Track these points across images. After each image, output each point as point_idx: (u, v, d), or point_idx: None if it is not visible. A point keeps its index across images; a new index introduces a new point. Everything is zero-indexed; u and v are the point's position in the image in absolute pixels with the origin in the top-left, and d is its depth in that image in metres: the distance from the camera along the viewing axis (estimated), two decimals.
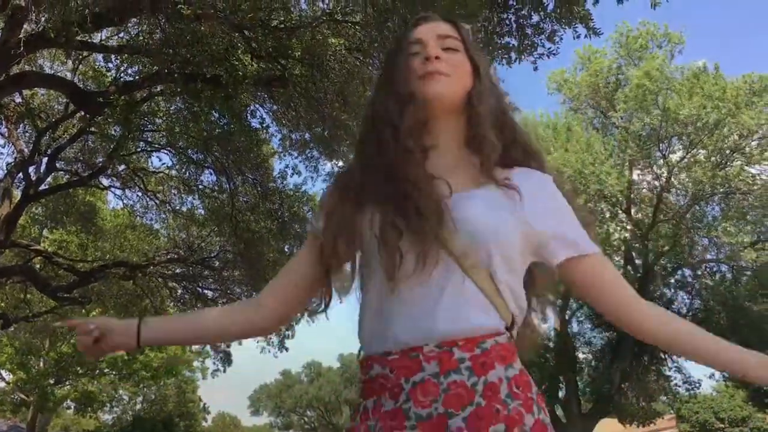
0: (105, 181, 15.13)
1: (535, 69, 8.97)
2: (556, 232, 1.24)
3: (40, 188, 13.81)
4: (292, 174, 14.17)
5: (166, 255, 16.58)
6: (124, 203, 16.13)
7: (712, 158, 26.12)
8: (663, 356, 33.92)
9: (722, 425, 34.88)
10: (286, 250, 15.64)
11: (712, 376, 53.07)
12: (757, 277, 27.64)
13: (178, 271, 16.98)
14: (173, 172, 15.04)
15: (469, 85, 1.30)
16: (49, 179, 14.56)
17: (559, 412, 35.86)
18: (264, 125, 12.01)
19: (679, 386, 33.68)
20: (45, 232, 17.67)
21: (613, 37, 24.03)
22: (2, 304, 16.86)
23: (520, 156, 1.33)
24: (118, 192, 15.70)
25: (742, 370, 1.28)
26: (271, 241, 14.63)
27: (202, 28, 7.68)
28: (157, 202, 15.60)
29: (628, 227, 29.80)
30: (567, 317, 34.48)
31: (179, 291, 17.73)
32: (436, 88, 1.26)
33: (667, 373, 33.76)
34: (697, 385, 33.97)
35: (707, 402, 36.17)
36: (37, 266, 15.40)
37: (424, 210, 1.16)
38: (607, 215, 27.19)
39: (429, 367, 1.09)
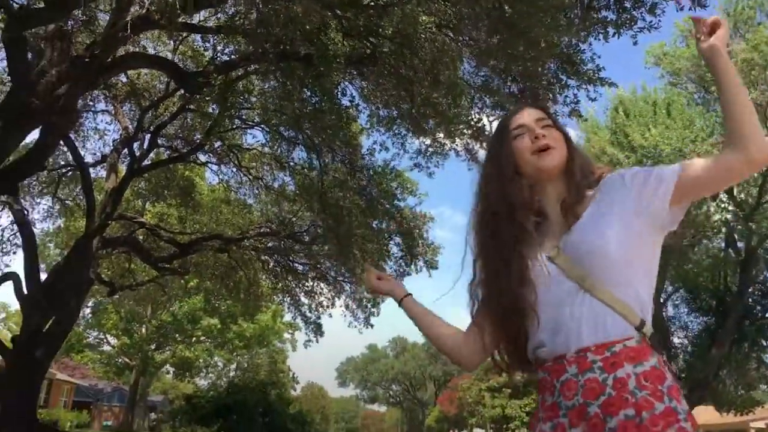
0: (202, 157, 15.73)
1: (635, 43, 8.61)
2: (657, 178, 1.49)
3: (144, 163, 14.53)
4: (380, 150, 14.22)
5: (258, 229, 17.11)
6: (219, 178, 16.76)
7: None
8: (764, 343, 32.43)
9: None
10: (375, 225, 15.83)
11: None
12: None
13: (270, 244, 17.49)
14: (266, 149, 15.47)
15: (566, 153, 1.62)
16: (151, 155, 15.28)
17: None
18: (354, 103, 12.11)
19: None
20: (147, 206, 18.53)
21: (718, 8, 22.73)
22: (109, 273, 17.85)
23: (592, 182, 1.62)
24: (215, 168, 16.33)
25: (707, 60, 1.44)
26: (359, 217, 14.83)
27: (296, 7, 7.82)
28: (251, 177, 16.09)
29: (730, 208, 28.43)
30: (662, 300, 33.42)
31: (271, 264, 18.27)
32: (551, 160, 1.58)
33: None
34: None
35: None
36: (140, 238, 16.21)
37: None
38: (708, 196, 26.01)
39: (570, 369, 1.42)
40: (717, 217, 26.63)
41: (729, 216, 27.93)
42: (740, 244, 29.57)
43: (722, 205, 27.54)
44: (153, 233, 15.58)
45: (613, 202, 1.50)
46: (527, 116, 1.64)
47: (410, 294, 1.80)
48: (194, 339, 39.20)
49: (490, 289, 1.64)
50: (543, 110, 1.67)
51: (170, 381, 54.35)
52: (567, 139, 1.64)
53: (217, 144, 14.90)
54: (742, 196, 28.49)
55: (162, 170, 15.71)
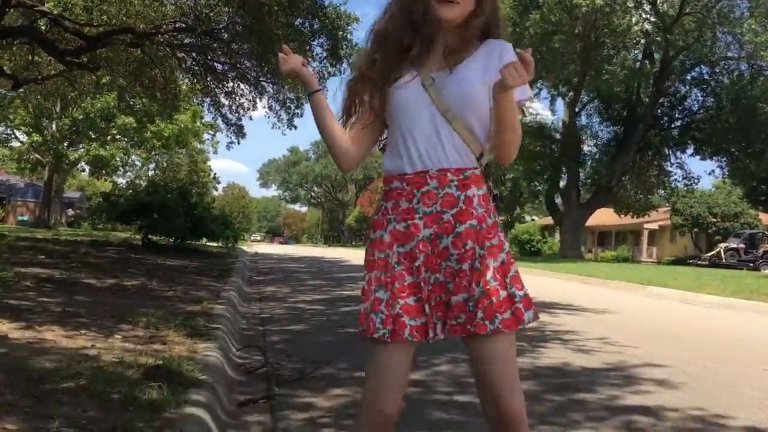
0: None
1: None
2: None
3: None
4: None
5: (173, 23, 16.16)
6: None
7: None
8: (667, 152, 34.44)
9: (714, 219, 36.16)
10: (297, 24, 15.21)
11: (712, 172, 53.95)
12: None
13: (186, 41, 16.65)
14: None
15: (470, 9, 1.72)
16: None
17: (558, 200, 37.19)
18: None
19: (679, 181, 34.55)
20: None
21: None
22: (11, 65, 16.77)
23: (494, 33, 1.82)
24: None
25: (494, 94, 1.64)
26: (280, 15, 14.18)
27: None
28: None
29: (652, 19, 28.63)
30: (577, 110, 34.41)
31: (189, 62, 17.53)
32: (448, 13, 1.70)
33: (669, 168, 34.51)
34: (696, 180, 34.82)
35: (704, 197, 37.21)
36: (43, 28, 15.08)
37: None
38: (631, 4, 25.89)
39: (431, 182, 1.71)
40: (637, 27, 26.83)
41: (649, 27, 28.20)
42: (656, 56, 30.22)
43: (645, 15, 27.68)
44: (57, 23, 14.46)
45: (489, 64, 1.74)
46: None
47: (318, 90, 1.86)
48: (109, 137, 38.27)
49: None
50: None
51: (86, 179, 53.70)
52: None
53: None
54: (665, 6, 28.62)
55: None
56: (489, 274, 1.67)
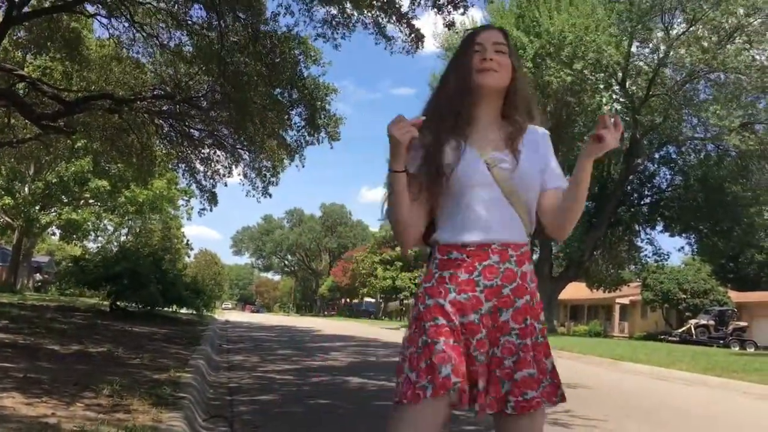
0: (90, 8, 14.60)
1: None
2: (554, 172, 1.94)
3: (23, 10, 13.31)
4: (285, 14, 13.67)
5: (152, 91, 16.33)
6: (110, 33, 15.66)
7: (713, 37, 25.56)
8: (637, 228, 35.03)
9: (684, 295, 36.58)
10: (276, 93, 15.46)
11: (681, 249, 54.61)
12: (741, 159, 27.88)
13: (165, 108, 16.80)
14: (162, 4, 14.50)
15: (509, 79, 1.89)
16: (32, 1, 14.02)
17: None
18: None
19: (649, 257, 34.97)
20: (28, 57, 17.22)
21: None
22: None
23: (531, 117, 1.96)
24: (104, 21, 15.20)
25: (582, 158, 1.79)
26: (260, 84, 14.42)
27: None
28: (144, 35, 15.15)
29: (621, 99, 29.61)
30: None
31: (166, 128, 17.65)
32: (490, 80, 1.85)
33: (639, 243, 35.02)
34: (666, 257, 35.33)
35: (673, 273, 37.71)
36: (21, 92, 15.14)
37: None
38: (602, 86, 26.86)
39: (493, 257, 1.78)
40: (608, 106, 27.70)
41: (618, 107, 29.12)
42: (626, 134, 31.09)
43: (614, 96, 28.64)
44: (35, 88, 14.53)
45: (539, 149, 1.91)
46: (486, 37, 1.90)
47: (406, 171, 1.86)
48: (82, 201, 37.95)
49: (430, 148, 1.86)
50: (504, 35, 1.93)
51: (56, 243, 52.91)
52: (515, 68, 1.91)
53: None
54: (633, 88, 29.67)
55: (45, 20, 14.49)
56: (543, 352, 1.78)
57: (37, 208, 36.43)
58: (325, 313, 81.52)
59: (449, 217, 1.84)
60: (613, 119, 1.73)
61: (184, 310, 18.83)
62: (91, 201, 38.17)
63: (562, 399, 1.80)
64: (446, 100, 1.89)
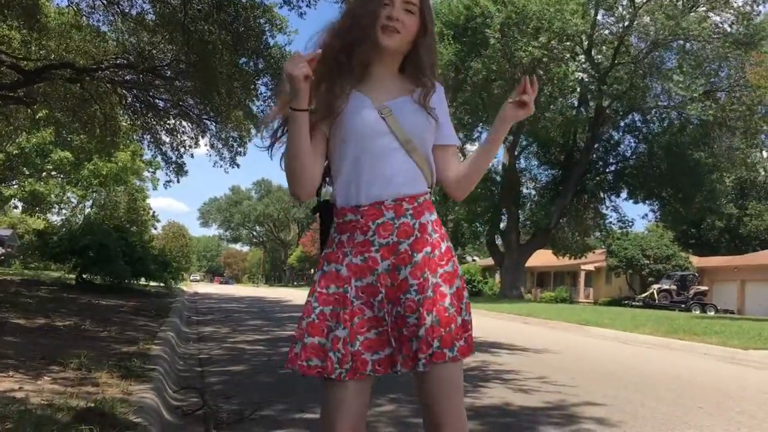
0: None
1: None
2: (447, 129, 1.87)
3: None
4: None
5: (114, 60, 15.96)
6: (69, 0, 15.19)
7: (678, 3, 25.77)
8: (602, 195, 35.55)
9: (647, 261, 37.39)
10: (242, 63, 15.22)
11: (645, 216, 55.85)
12: (702, 128, 28.36)
13: (128, 77, 16.45)
14: None
15: (411, 42, 1.79)
16: None
17: (499, 241, 37.78)
18: None
19: (614, 224, 35.66)
20: None
21: None
22: None
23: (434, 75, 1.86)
24: None
25: (500, 123, 1.78)
26: (225, 54, 14.18)
27: None
28: (105, 2, 14.74)
29: (587, 68, 29.76)
30: (516, 153, 35.26)
31: (129, 99, 17.30)
32: (389, 41, 1.74)
33: (604, 211, 35.61)
34: (630, 223, 36.05)
35: (637, 240, 38.48)
36: None
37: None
38: (567, 55, 26.96)
39: (388, 213, 1.70)
40: (573, 76, 27.86)
41: (584, 76, 29.31)
42: (591, 104, 31.35)
43: (580, 65, 28.79)
44: None
45: (440, 105, 1.84)
46: None
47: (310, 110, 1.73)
48: (44, 173, 37.20)
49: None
50: None
51: (19, 216, 51.88)
52: (425, 28, 1.80)
53: None
54: (599, 57, 29.84)
55: None
56: (447, 301, 1.67)
57: None
58: (295, 283, 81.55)
59: (340, 175, 1.75)
60: (531, 82, 1.72)
61: (152, 283, 18.68)
62: (53, 173, 37.45)
63: (465, 351, 1.67)
64: (341, 43, 1.77)
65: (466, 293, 1.74)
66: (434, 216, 1.77)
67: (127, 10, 14.98)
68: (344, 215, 1.74)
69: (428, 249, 1.70)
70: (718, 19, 25.93)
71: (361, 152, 1.72)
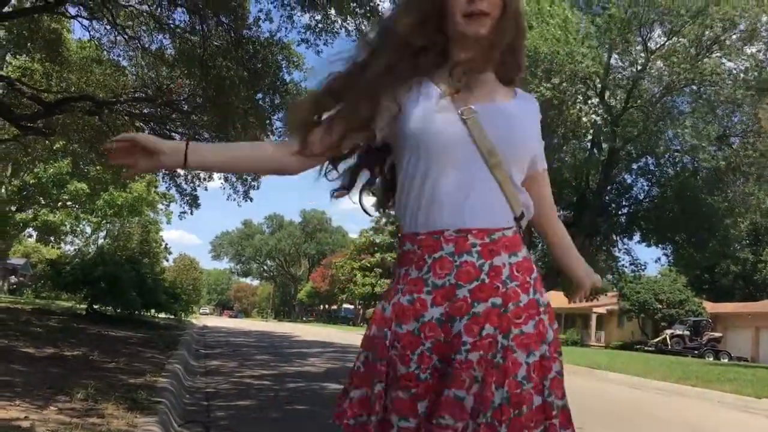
0: (72, 10, 14.48)
1: None
2: (540, 150, 1.56)
3: (4, 10, 13.18)
4: (265, 20, 13.76)
5: (133, 93, 16.23)
6: (91, 35, 15.53)
7: (691, 49, 25.95)
8: (615, 238, 35.39)
9: (660, 306, 37.03)
10: (258, 98, 15.44)
11: (658, 260, 55.26)
12: (716, 172, 28.32)
13: (146, 111, 16.70)
14: (144, 7, 14.44)
15: (497, 17, 1.40)
16: (13, 1, 13.88)
17: None
18: None
19: (626, 267, 35.40)
20: (8, 58, 17.04)
21: None
22: None
23: (516, 76, 1.53)
24: (85, 23, 15.09)
25: (571, 273, 1.73)
26: (242, 89, 14.39)
27: None
28: (126, 37, 15.05)
29: (600, 111, 29.92)
30: None
31: (146, 131, 17.53)
32: (481, 28, 1.39)
33: (617, 254, 35.39)
34: (643, 267, 35.78)
35: (650, 284, 38.16)
36: (0, 92, 14.98)
37: None
38: (580, 98, 27.17)
39: (447, 247, 1.33)
40: (586, 118, 27.99)
41: (598, 119, 29.44)
42: (605, 146, 31.41)
43: (593, 108, 28.95)
44: (14, 88, 14.39)
45: (533, 116, 1.54)
46: None
47: (188, 143, 1.48)
48: (60, 203, 37.57)
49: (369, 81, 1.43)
50: None
51: (33, 245, 52.24)
52: (506, 5, 1.41)
53: None
54: (612, 101, 30.00)
55: (25, 20, 14.35)
56: (521, 373, 1.28)
57: (13, 208, 36.01)
58: (304, 318, 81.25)
59: (401, 192, 1.42)
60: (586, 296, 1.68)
61: (162, 315, 18.68)
62: (69, 203, 37.80)
63: None
64: (412, 29, 1.42)
65: (557, 366, 1.34)
66: (518, 257, 1.38)
67: (147, 45, 15.30)
68: (404, 244, 1.41)
69: (497, 300, 1.31)
70: (731, 66, 26.10)
71: (432, 163, 1.37)
